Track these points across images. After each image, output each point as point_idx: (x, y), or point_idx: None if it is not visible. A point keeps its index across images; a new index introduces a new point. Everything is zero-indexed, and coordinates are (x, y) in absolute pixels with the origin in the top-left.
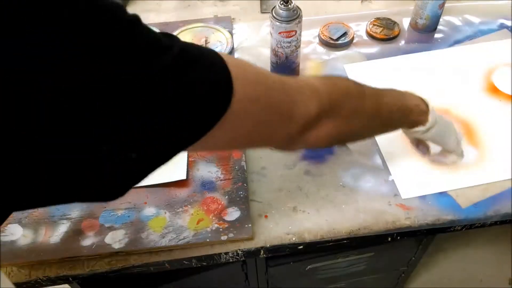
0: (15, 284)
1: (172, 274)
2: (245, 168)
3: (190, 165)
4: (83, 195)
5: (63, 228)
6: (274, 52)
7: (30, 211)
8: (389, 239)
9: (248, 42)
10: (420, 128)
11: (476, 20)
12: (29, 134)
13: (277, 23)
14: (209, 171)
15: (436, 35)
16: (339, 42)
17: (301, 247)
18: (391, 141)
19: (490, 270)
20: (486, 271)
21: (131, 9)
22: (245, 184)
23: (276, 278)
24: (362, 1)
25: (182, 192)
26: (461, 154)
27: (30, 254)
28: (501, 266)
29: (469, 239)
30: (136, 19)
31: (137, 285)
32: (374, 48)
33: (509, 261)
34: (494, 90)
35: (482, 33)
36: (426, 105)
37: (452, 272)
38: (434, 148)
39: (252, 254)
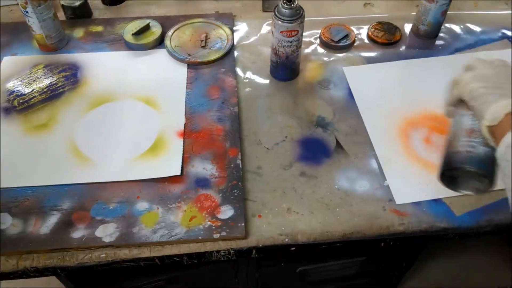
0: (2, 273)
1: (160, 269)
2: (240, 166)
3: (185, 161)
4: None
5: (53, 219)
6: (275, 51)
7: (20, 200)
8: (382, 244)
9: (248, 40)
10: None
11: (477, 29)
12: None
13: (279, 22)
14: (204, 168)
15: (437, 42)
16: (340, 44)
17: (294, 248)
18: (388, 146)
19: (482, 279)
20: (478, 280)
21: (131, 2)
22: (240, 183)
23: (266, 278)
24: (364, 4)
25: (176, 188)
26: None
27: (19, 244)
28: (493, 275)
29: (461, 248)
30: None
31: (125, 278)
32: (375, 52)
33: (501, 270)
34: None
35: (483, 42)
36: None
37: (443, 279)
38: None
39: (244, 253)
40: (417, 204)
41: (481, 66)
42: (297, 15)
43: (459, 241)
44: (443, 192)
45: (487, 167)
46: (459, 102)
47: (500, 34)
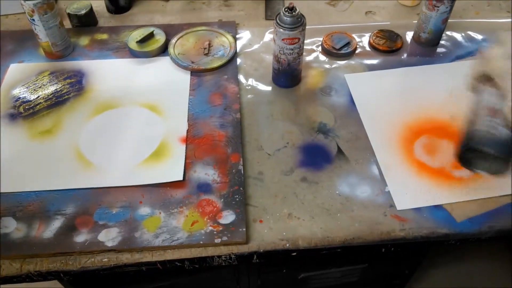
0: (6, 277)
1: (162, 274)
2: (242, 172)
3: (187, 167)
4: None
5: (57, 223)
6: (277, 59)
7: (25, 204)
8: (383, 250)
9: (251, 48)
10: None
11: (478, 37)
12: None
13: (281, 29)
14: (206, 173)
15: (438, 50)
16: (342, 51)
17: (295, 253)
18: (389, 152)
19: (484, 286)
20: (480, 287)
21: (136, 10)
22: (241, 188)
23: (268, 286)
24: (366, 13)
25: (178, 193)
26: None
27: (23, 248)
28: (494, 282)
29: (463, 254)
30: None
31: (127, 284)
32: (376, 60)
33: (503, 277)
34: None
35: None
36: None
37: (445, 286)
38: None
39: (245, 258)
40: (418, 210)
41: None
42: (299, 23)
43: (461, 248)
44: (444, 198)
45: (505, 150)
46: (485, 78)
47: None
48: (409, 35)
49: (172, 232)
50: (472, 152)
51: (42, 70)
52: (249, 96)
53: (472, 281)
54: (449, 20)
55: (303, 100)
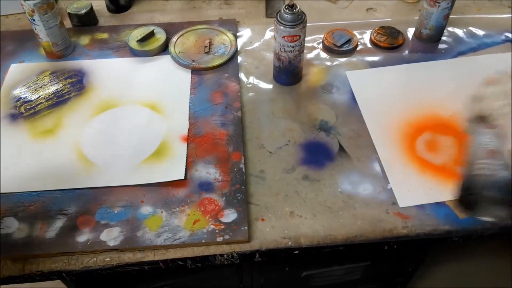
0: (8, 277)
1: (164, 273)
2: (243, 170)
3: (188, 166)
4: None
5: (59, 223)
6: (277, 56)
7: (27, 204)
8: (386, 247)
9: (252, 46)
10: None
11: (480, 32)
12: None
13: (281, 27)
14: (207, 172)
15: (440, 46)
16: (343, 49)
17: (297, 252)
18: (391, 149)
19: (487, 283)
20: (483, 284)
21: (136, 9)
22: (243, 187)
23: (271, 284)
24: (367, 9)
25: (179, 192)
26: None
27: (25, 248)
28: (497, 279)
29: (465, 252)
30: None
31: (129, 283)
32: (378, 56)
33: (505, 274)
34: None
35: (486, 45)
36: None
37: (448, 284)
38: None
39: (248, 257)
40: (420, 207)
41: (505, 80)
42: (299, 20)
43: (463, 245)
44: (447, 195)
45: (509, 194)
46: (480, 119)
47: (503, 37)
48: (410, 32)
49: (174, 231)
50: (473, 197)
51: (42, 70)
52: (250, 94)
53: (475, 278)
54: (450, 16)
55: (304, 98)
